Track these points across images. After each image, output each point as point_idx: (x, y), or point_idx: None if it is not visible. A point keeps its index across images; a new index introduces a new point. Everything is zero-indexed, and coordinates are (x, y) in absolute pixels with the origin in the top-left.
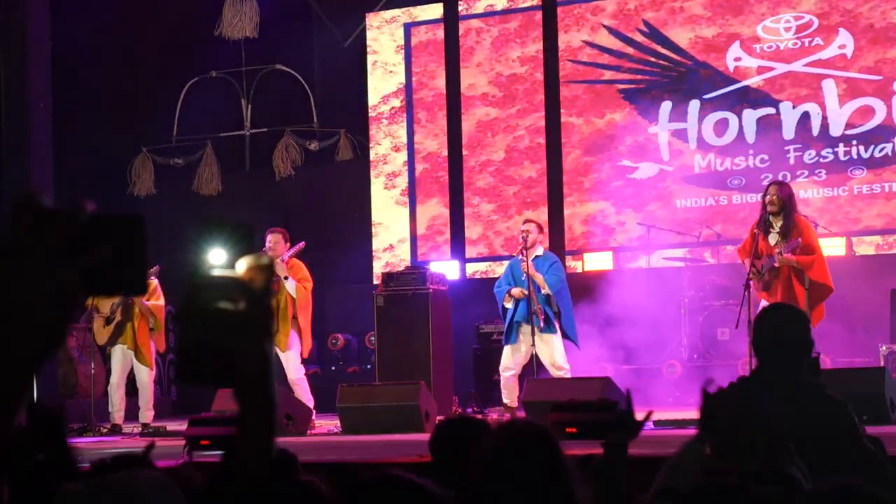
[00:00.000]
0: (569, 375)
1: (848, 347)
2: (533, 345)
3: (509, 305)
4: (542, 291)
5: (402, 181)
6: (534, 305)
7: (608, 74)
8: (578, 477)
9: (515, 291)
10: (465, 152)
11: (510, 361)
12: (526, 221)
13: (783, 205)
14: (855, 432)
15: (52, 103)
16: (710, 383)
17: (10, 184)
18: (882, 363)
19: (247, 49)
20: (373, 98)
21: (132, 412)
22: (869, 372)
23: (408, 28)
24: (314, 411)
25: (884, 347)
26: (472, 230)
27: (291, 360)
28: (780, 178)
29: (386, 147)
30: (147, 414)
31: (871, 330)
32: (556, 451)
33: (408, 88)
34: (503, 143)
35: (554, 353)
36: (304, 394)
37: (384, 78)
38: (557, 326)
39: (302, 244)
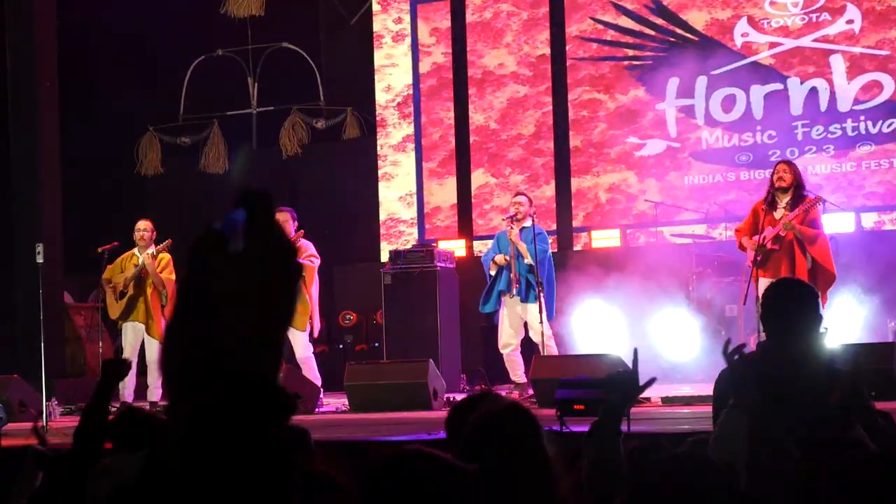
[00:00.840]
0: (552, 342)
1: (857, 323)
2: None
3: (494, 273)
4: (525, 261)
5: (437, 154)
6: (511, 273)
7: (615, 52)
8: (558, 459)
9: (499, 258)
10: (496, 126)
11: (507, 338)
12: (517, 194)
13: (794, 181)
14: (865, 406)
15: (59, 83)
16: (740, 349)
17: (19, 163)
18: (891, 339)
19: (252, 27)
20: (407, 78)
21: (141, 390)
22: (878, 347)
23: (413, 6)
24: (322, 390)
25: (892, 323)
26: (502, 198)
27: (300, 338)
28: (787, 154)
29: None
30: (155, 392)
31: (880, 305)
32: (534, 432)
33: (414, 64)
34: (533, 118)
35: (534, 321)
36: (312, 372)
37: (419, 58)
38: (540, 296)
39: (301, 233)
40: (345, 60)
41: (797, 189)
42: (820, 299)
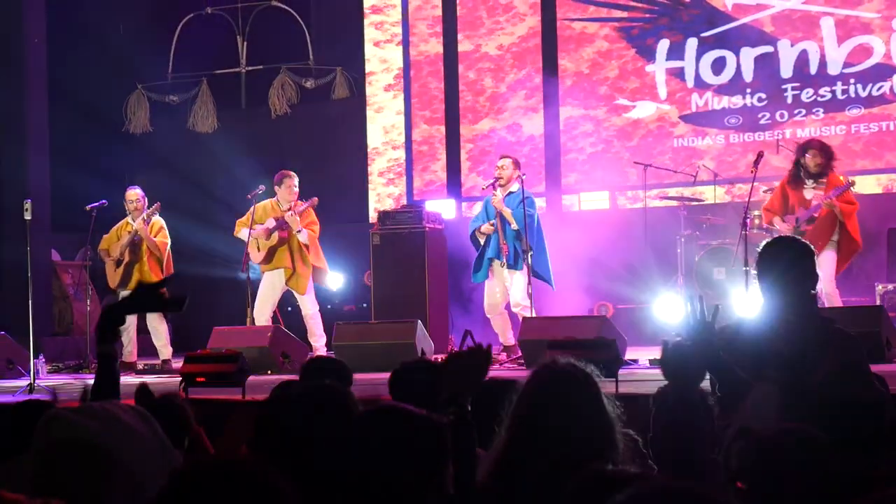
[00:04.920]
0: (527, 312)
1: (845, 286)
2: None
3: (481, 240)
4: (512, 227)
5: (427, 114)
6: (499, 240)
7: (606, 12)
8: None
9: (485, 227)
10: (485, 100)
11: (494, 301)
12: (502, 157)
13: (825, 165)
14: (865, 367)
15: (47, 40)
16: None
17: (6, 120)
18: (878, 302)
19: None
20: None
21: (142, 348)
22: (866, 310)
23: None
24: (326, 348)
25: (880, 287)
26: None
27: (305, 298)
28: (777, 117)
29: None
30: (165, 351)
31: (868, 269)
32: (595, 394)
33: (404, 29)
34: (522, 80)
35: (515, 289)
36: (318, 328)
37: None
38: (525, 265)
39: (315, 200)
40: (334, 19)
41: (826, 171)
42: (815, 256)
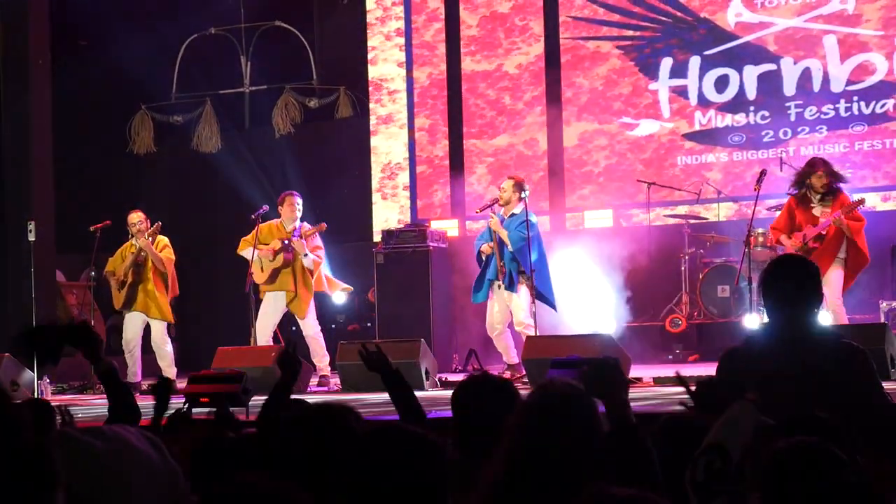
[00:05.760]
0: (530, 332)
1: (849, 303)
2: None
3: (483, 261)
4: (508, 249)
5: (431, 132)
6: (497, 262)
7: (608, 31)
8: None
9: (484, 247)
10: (491, 112)
11: (494, 321)
12: (507, 178)
13: (831, 185)
14: (874, 379)
15: (52, 61)
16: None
17: (10, 140)
18: (883, 319)
19: (246, 5)
20: (400, 57)
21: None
22: (870, 328)
23: None
24: (330, 368)
25: (884, 304)
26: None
27: (308, 320)
28: (780, 135)
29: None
30: (170, 371)
31: (872, 286)
32: (592, 413)
33: (407, 47)
34: (526, 100)
35: (517, 309)
36: (320, 348)
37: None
38: (521, 286)
39: (323, 225)
40: (337, 39)
41: (834, 188)
42: (820, 275)
